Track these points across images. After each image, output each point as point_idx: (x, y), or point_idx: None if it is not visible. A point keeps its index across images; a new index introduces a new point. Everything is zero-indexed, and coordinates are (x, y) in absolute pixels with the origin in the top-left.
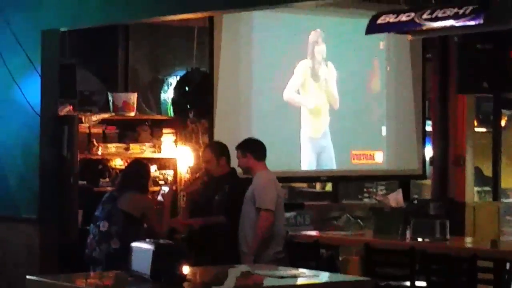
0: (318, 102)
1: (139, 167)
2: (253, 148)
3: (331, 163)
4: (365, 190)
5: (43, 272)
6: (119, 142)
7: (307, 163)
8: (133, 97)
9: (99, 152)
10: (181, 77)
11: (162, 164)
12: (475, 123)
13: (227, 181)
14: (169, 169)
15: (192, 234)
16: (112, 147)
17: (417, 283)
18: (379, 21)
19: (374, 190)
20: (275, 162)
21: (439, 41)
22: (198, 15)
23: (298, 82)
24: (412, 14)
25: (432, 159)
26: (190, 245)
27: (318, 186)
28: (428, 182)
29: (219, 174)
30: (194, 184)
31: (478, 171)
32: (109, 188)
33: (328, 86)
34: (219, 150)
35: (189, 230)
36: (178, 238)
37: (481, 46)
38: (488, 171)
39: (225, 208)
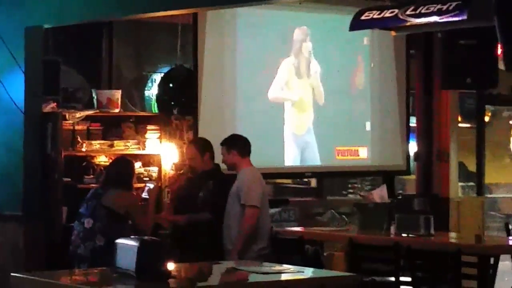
0: (302, 97)
1: (123, 164)
2: (238, 145)
3: (315, 159)
4: (349, 186)
5: (28, 270)
6: (103, 139)
7: (291, 159)
8: (117, 94)
9: (83, 149)
10: (165, 74)
11: (147, 160)
12: (459, 119)
13: (211, 177)
14: (154, 166)
15: (177, 230)
16: (96, 144)
17: (402, 279)
18: (363, 18)
19: (359, 186)
20: (259, 158)
21: (423, 37)
22: (182, 11)
23: (282, 80)
24: (396, 11)
25: (416, 154)
26: (175, 242)
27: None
28: (413, 177)
29: (203, 170)
30: (179, 181)
31: (462, 166)
32: (93, 185)
33: (312, 81)
34: (203, 146)
35: (174, 226)
36: (162, 234)
37: (464, 42)
38: (472, 167)
39: (209, 205)
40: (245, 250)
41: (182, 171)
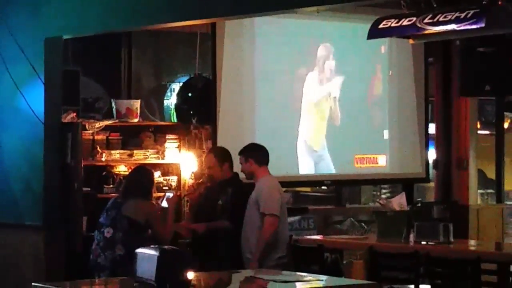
0: (323, 109)
1: (142, 173)
2: (255, 153)
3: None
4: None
5: (49, 279)
6: (123, 148)
7: (307, 168)
8: (136, 104)
9: (103, 159)
10: (184, 83)
11: (166, 170)
12: (478, 126)
13: (230, 185)
14: (173, 175)
15: (196, 239)
16: (116, 154)
17: (421, 286)
18: (381, 26)
19: (378, 194)
20: (278, 166)
21: (441, 45)
22: (201, 21)
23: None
24: (414, 19)
25: (435, 162)
26: (194, 250)
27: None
28: (432, 185)
29: (222, 179)
30: (198, 189)
31: (481, 174)
32: (113, 195)
33: (331, 103)
34: (222, 155)
35: (193, 235)
36: (182, 243)
37: (483, 49)
38: (491, 174)
39: (228, 213)
40: (264, 259)
41: (201, 180)
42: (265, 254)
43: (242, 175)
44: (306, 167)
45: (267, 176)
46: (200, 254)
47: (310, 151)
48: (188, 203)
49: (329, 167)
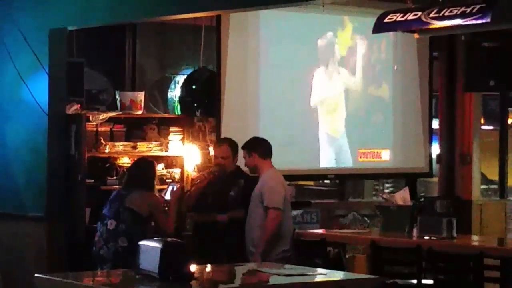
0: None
1: (144, 165)
2: (259, 147)
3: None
4: (376, 188)
5: (51, 270)
6: (127, 140)
7: (310, 162)
8: (141, 96)
9: (107, 151)
10: (188, 76)
11: (169, 162)
12: (482, 121)
13: (241, 176)
14: (176, 168)
15: (201, 229)
16: (120, 146)
17: (424, 281)
18: (386, 20)
19: (381, 188)
20: (282, 160)
21: (446, 40)
22: (206, 14)
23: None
24: (419, 13)
25: (439, 157)
26: (201, 241)
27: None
28: (435, 180)
29: (231, 170)
30: (207, 178)
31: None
32: (116, 186)
33: (337, 96)
34: (235, 147)
35: (215, 225)
36: (186, 235)
37: (488, 44)
38: (494, 171)
39: (240, 203)
40: (268, 253)
41: (211, 169)
42: (269, 248)
43: (245, 169)
44: (311, 160)
45: (271, 170)
46: (207, 244)
47: (330, 138)
48: (190, 191)
49: (331, 161)
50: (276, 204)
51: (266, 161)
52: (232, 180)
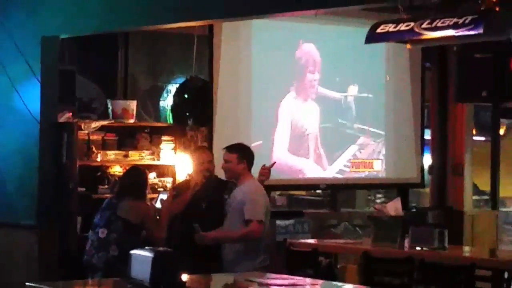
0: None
1: (136, 173)
2: (250, 157)
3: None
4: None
5: (42, 279)
6: (118, 149)
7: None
8: (132, 104)
9: (98, 159)
10: (180, 85)
11: (161, 171)
12: (474, 132)
13: (222, 180)
14: (168, 176)
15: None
16: (111, 154)
17: None
18: (378, 30)
19: (373, 199)
20: (273, 169)
21: (439, 50)
22: (198, 23)
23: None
24: (412, 24)
25: (430, 167)
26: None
27: None
28: (427, 190)
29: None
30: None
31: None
32: (108, 195)
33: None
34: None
35: (182, 235)
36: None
37: (480, 55)
38: (486, 182)
39: None
40: (247, 264)
41: (202, 173)
42: (248, 258)
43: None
44: (301, 171)
45: (253, 180)
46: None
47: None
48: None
49: (322, 172)
50: (259, 217)
51: (249, 171)
52: (223, 184)
